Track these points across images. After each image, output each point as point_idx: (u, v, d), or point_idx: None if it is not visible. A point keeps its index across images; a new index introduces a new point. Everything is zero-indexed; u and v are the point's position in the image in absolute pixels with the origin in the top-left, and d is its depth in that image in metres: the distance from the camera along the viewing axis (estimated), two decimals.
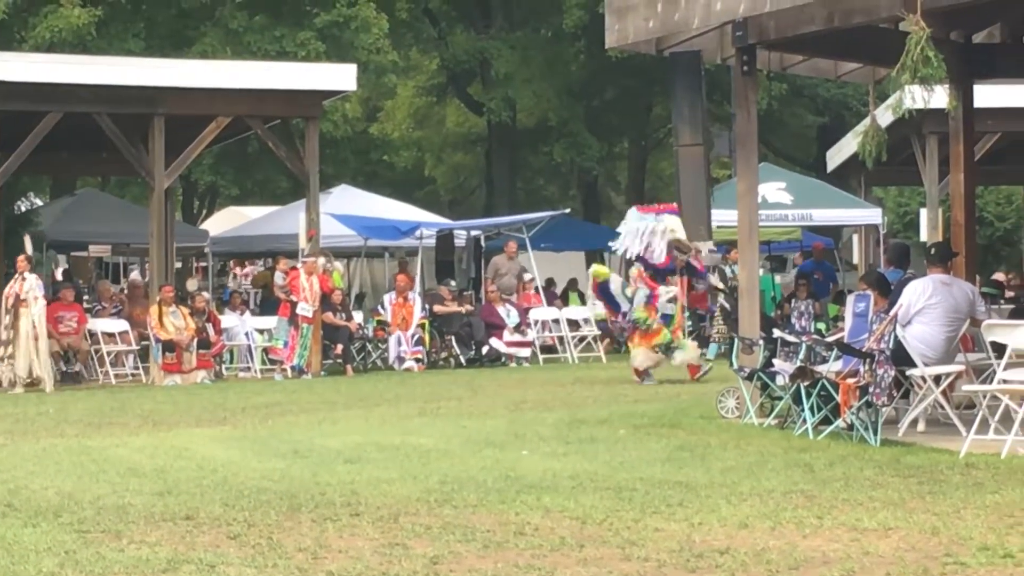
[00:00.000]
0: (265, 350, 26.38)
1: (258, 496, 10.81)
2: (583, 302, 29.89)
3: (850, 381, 13.68)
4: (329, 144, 36.31)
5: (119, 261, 43.71)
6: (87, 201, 35.36)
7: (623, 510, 9.98)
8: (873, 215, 31.29)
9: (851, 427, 13.57)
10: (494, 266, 29.33)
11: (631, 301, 21.98)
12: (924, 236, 27.30)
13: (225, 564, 8.50)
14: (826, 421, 13.86)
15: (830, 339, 15.90)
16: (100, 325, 25.33)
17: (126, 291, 29.92)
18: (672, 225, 20.84)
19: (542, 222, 30.67)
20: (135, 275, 38.01)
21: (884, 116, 18.29)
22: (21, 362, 22.72)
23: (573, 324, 28.83)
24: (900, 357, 13.86)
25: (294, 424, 16.77)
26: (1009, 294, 26.54)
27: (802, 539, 8.99)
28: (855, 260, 34.11)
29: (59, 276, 36.05)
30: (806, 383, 14.02)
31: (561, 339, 28.60)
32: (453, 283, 29.06)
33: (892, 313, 14.11)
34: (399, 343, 26.31)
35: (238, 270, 44.67)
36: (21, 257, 23.41)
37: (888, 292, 14.97)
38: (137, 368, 25.10)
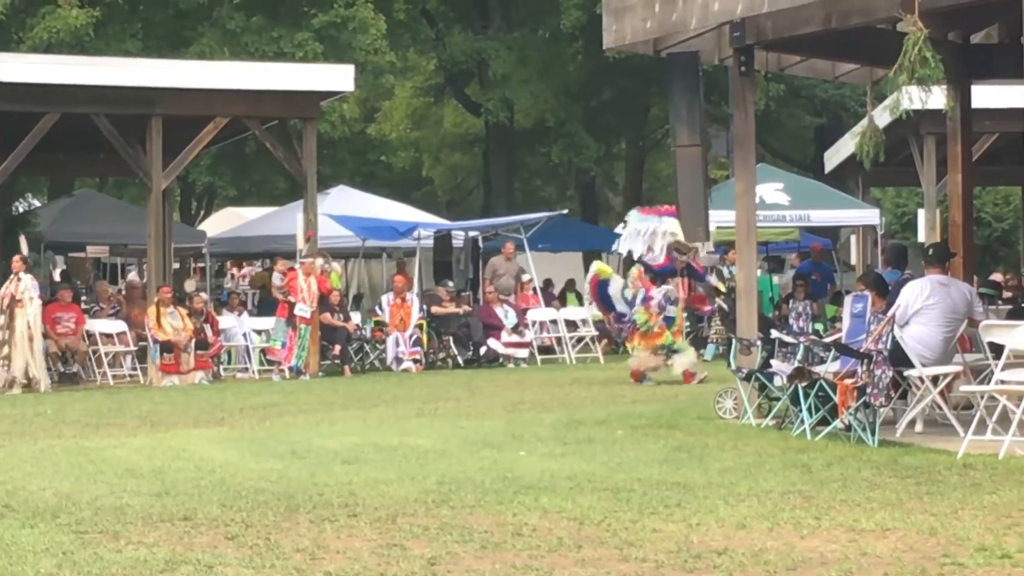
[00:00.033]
0: (263, 351, 26.38)
1: (256, 497, 10.81)
2: (581, 303, 29.95)
3: (848, 382, 13.67)
4: (327, 145, 36.32)
5: (117, 262, 43.70)
6: (85, 202, 35.37)
7: (621, 511, 9.98)
8: (871, 216, 31.30)
9: (849, 428, 13.57)
10: (492, 267, 29.33)
11: (630, 303, 21.98)
12: (922, 237, 27.29)
13: (223, 565, 8.50)
14: (824, 422, 13.86)
15: (828, 340, 15.91)
16: (98, 326, 25.32)
17: (124, 292, 29.91)
18: (672, 228, 20.82)
19: (540, 223, 30.67)
20: (133, 276, 37.99)
21: (882, 117, 18.32)
22: (18, 363, 22.71)
23: (571, 325, 28.84)
24: (898, 358, 13.86)
25: (292, 425, 16.77)
26: (1007, 295, 26.59)
27: (800, 540, 8.99)
28: (853, 261, 34.14)
29: (57, 277, 36.04)
30: (804, 384, 14.02)
31: (559, 340, 28.60)
32: (451, 284, 29.07)
33: (890, 314, 14.11)
34: (397, 344, 26.31)
35: (235, 271, 44.66)
36: (16, 257, 23.40)
37: (886, 293, 14.98)
38: (135, 369, 25.10)
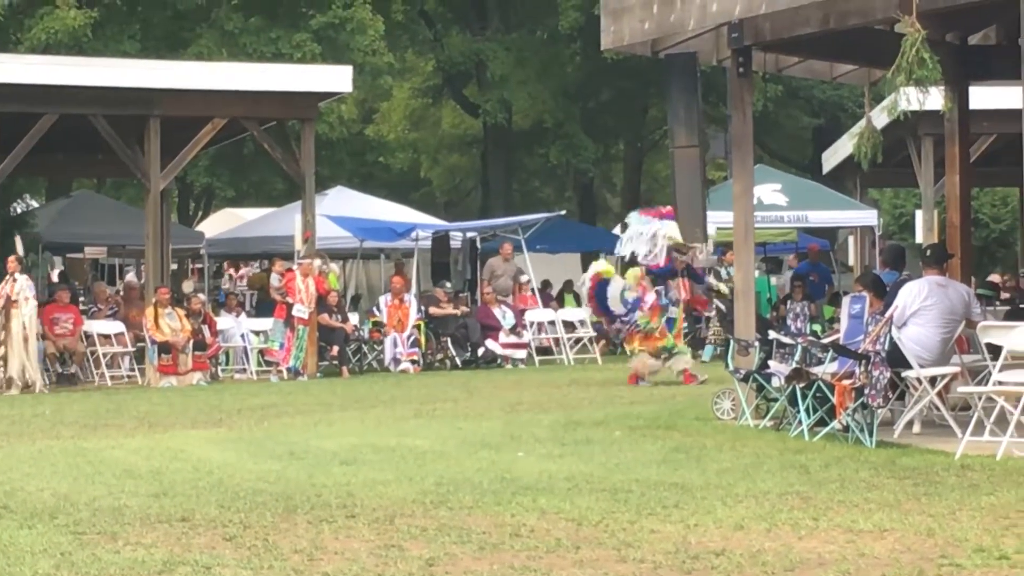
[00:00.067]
0: (261, 352, 26.38)
1: (254, 498, 10.81)
2: (579, 304, 29.93)
3: (846, 383, 13.68)
4: (325, 146, 36.35)
5: (115, 263, 43.68)
6: (83, 203, 35.39)
7: (619, 512, 9.98)
8: (868, 217, 31.31)
9: (847, 429, 13.57)
10: (490, 268, 29.33)
11: (630, 307, 21.98)
12: (920, 238, 27.28)
13: (221, 566, 8.50)
14: (822, 423, 13.86)
15: (826, 341, 15.90)
16: (96, 327, 25.31)
17: (122, 293, 29.88)
18: (672, 230, 20.79)
19: (538, 224, 30.67)
20: (131, 277, 37.95)
21: (879, 118, 18.27)
22: (14, 364, 22.71)
23: (569, 326, 28.85)
24: (896, 359, 13.87)
25: (290, 426, 16.77)
26: (1004, 296, 26.56)
27: (798, 540, 8.99)
28: (850, 262, 34.10)
29: (55, 278, 36.02)
30: (802, 385, 14.03)
31: (557, 341, 28.61)
32: (448, 285, 29.07)
33: (888, 315, 14.12)
34: (395, 345, 26.30)
35: (232, 271, 44.66)
36: (12, 258, 23.39)
37: (884, 294, 14.99)
38: (133, 370, 25.09)
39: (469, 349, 27.32)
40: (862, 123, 16.35)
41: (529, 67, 42.39)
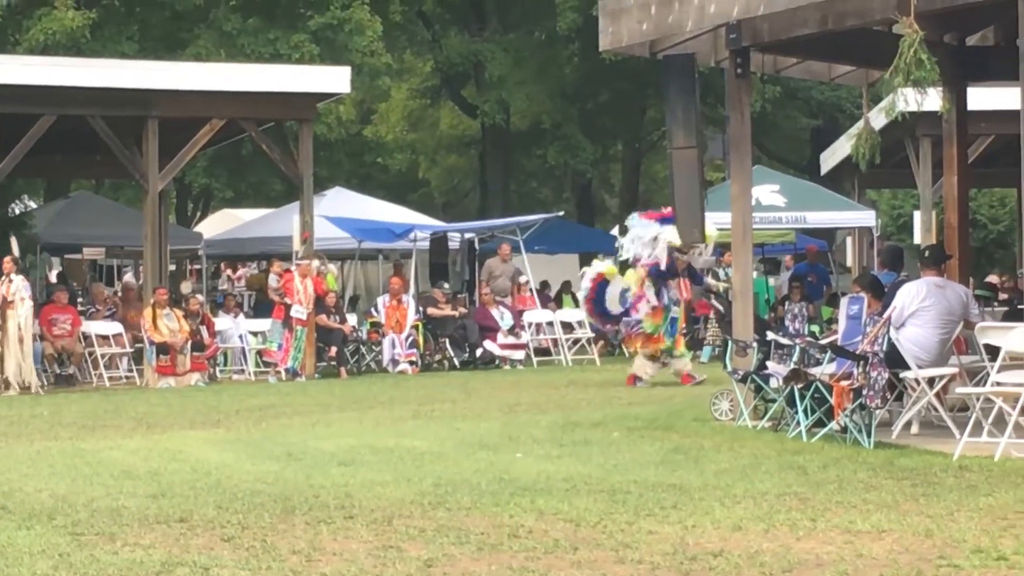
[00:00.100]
0: (259, 352, 26.38)
1: (252, 499, 10.80)
2: (577, 304, 29.90)
3: (844, 383, 13.68)
4: (323, 147, 36.32)
5: (113, 264, 43.68)
6: (81, 204, 35.39)
7: (617, 512, 9.99)
8: (866, 217, 31.30)
9: (845, 429, 13.58)
10: (488, 268, 29.34)
11: (627, 303, 21.99)
12: (918, 239, 27.28)
13: (219, 566, 8.50)
14: (820, 423, 13.87)
15: (824, 341, 15.91)
16: (94, 327, 25.30)
17: (120, 294, 29.90)
18: (673, 235, 20.75)
19: (536, 225, 30.66)
20: (129, 277, 37.99)
21: (877, 119, 18.27)
22: (10, 365, 22.70)
23: (567, 326, 28.85)
24: (894, 359, 13.88)
25: (288, 427, 16.77)
26: (1002, 296, 26.61)
27: (796, 541, 8.99)
28: (848, 262, 34.10)
29: (53, 278, 36.03)
30: (800, 385, 14.03)
31: (555, 342, 28.61)
32: (446, 285, 29.06)
33: (886, 315, 14.13)
34: (393, 345, 26.30)
35: (230, 272, 44.65)
36: (7, 259, 23.38)
37: (882, 294, 15.00)
38: (131, 371, 25.09)
39: (467, 350, 27.32)
40: (860, 124, 16.36)
41: (527, 68, 42.38)
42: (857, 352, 13.93)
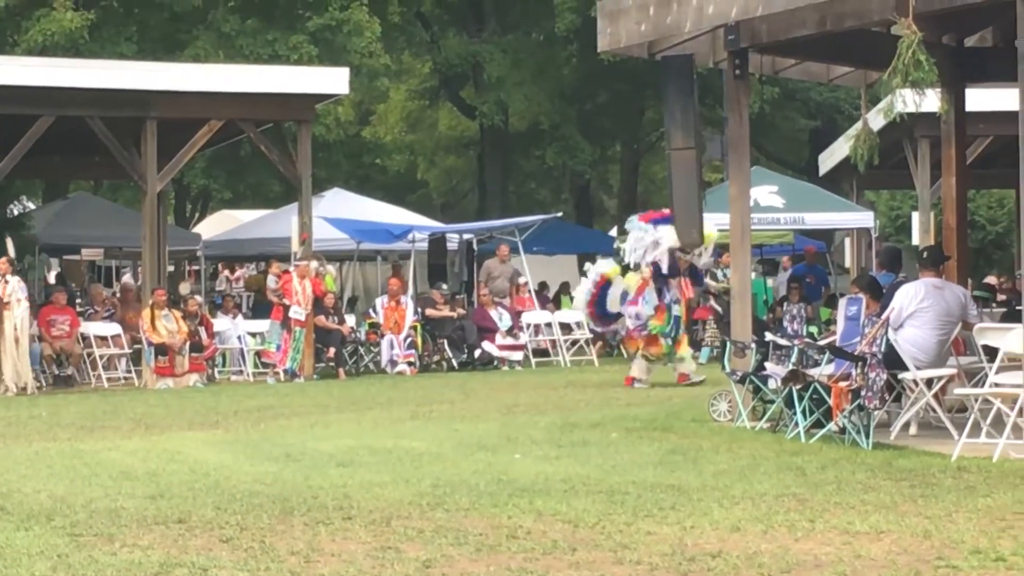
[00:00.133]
0: (257, 353, 26.37)
1: (250, 499, 10.80)
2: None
3: (842, 384, 13.69)
4: (321, 148, 36.31)
5: (111, 264, 43.69)
6: (80, 205, 35.40)
7: (615, 514, 9.99)
8: (865, 219, 31.31)
9: (843, 430, 13.59)
10: (487, 269, 29.35)
11: (626, 302, 22.02)
12: (916, 240, 27.29)
13: (217, 567, 8.50)
14: (818, 424, 13.87)
15: (822, 342, 15.91)
16: (92, 328, 25.28)
17: (118, 295, 29.90)
18: (674, 238, 20.74)
19: (534, 226, 30.66)
20: (127, 278, 38.01)
21: (876, 120, 18.30)
22: (7, 366, 22.70)
23: (565, 328, 28.84)
24: (892, 360, 13.88)
25: (286, 428, 16.76)
26: (1001, 297, 26.58)
27: (794, 542, 9.00)
28: (847, 263, 34.11)
29: (52, 279, 36.03)
30: (798, 386, 14.03)
31: (553, 343, 28.60)
32: (445, 287, 29.05)
33: (884, 316, 14.13)
34: (391, 346, 26.29)
35: (227, 273, 44.63)
36: (3, 260, 23.38)
37: (880, 295, 15.01)
38: (129, 372, 25.08)
39: (466, 351, 27.32)
40: (858, 125, 16.34)
41: (525, 69, 42.37)
42: (855, 353, 13.93)
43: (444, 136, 53.66)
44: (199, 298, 28.01)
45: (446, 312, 27.63)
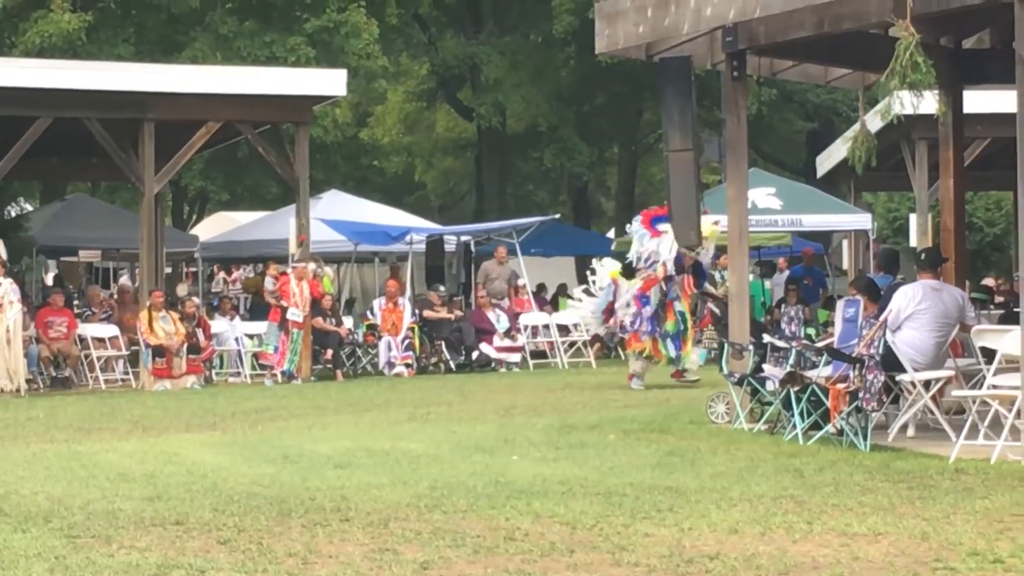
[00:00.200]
0: (255, 355, 26.36)
1: (248, 501, 10.80)
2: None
3: (840, 386, 13.69)
4: (319, 149, 36.31)
5: (109, 266, 43.70)
6: (77, 206, 35.39)
7: (613, 515, 9.98)
8: (863, 220, 31.30)
9: (841, 432, 13.59)
10: (484, 271, 29.34)
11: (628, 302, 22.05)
12: (914, 241, 27.31)
13: (215, 569, 8.49)
14: (816, 426, 13.87)
15: (820, 344, 15.91)
16: (90, 330, 25.27)
17: (116, 296, 29.89)
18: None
19: (532, 227, 30.68)
20: (125, 280, 37.99)
21: (874, 121, 18.32)
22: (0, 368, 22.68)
23: (563, 329, 28.83)
24: (890, 362, 13.88)
25: (284, 429, 16.76)
26: (998, 299, 26.58)
27: (792, 544, 8.99)
28: (845, 265, 34.14)
29: (49, 281, 36.04)
30: (796, 388, 14.04)
31: (551, 344, 28.59)
32: (442, 288, 29.04)
33: (882, 318, 14.14)
34: (389, 348, 26.28)
35: (224, 274, 44.63)
36: None
37: (878, 297, 15.01)
38: (127, 373, 25.05)
39: (463, 353, 27.30)
40: (856, 127, 16.36)
41: (523, 71, 42.35)
42: (853, 355, 13.93)
43: (442, 138, 53.66)
44: (197, 300, 28.01)
45: (444, 314, 27.62)
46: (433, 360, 27.35)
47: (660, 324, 21.81)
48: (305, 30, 32.71)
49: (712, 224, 20.39)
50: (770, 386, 14.97)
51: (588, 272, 23.99)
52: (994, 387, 12.79)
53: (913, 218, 28.31)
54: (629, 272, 22.39)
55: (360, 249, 32.26)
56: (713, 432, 15.09)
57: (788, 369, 14.95)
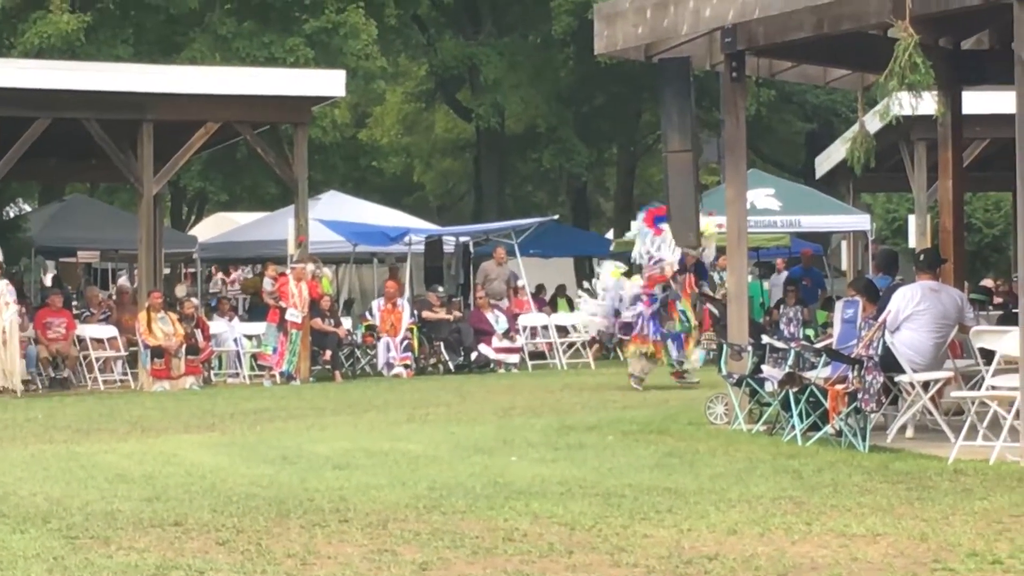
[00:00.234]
0: (254, 356, 26.36)
1: (247, 502, 10.79)
2: (571, 308, 29.90)
3: (839, 387, 13.68)
4: (318, 150, 36.30)
5: (108, 267, 43.67)
6: (76, 207, 35.38)
7: (612, 516, 9.98)
8: (861, 221, 31.32)
9: (840, 433, 13.58)
10: (483, 272, 29.34)
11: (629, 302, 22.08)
12: (913, 242, 27.30)
13: (214, 570, 8.49)
14: (815, 427, 13.87)
15: (819, 345, 15.91)
16: (89, 331, 25.28)
17: (114, 297, 29.89)
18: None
19: (531, 228, 30.68)
20: (123, 281, 37.97)
21: (872, 122, 18.31)
22: None
23: (562, 330, 28.84)
24: (888, 363, 13.88)
25: (283, 430, 16.75)
26: (997, 300, 26.56)
27: (791, 545, 8.99)
28: (843, 266, 34.14)
29: (48, 282, 36.03)
30: (795, 389, 14.03)
31: (550, 345, 28.59)
32: (441, 289, 29.04)
33: (881, 319, 14.13)
34: (388, 349, 26.28)
35: (222, 275, 44.62)
36: None
37: (877, 298, 15.01)
38: (125, 374, 25.06)
39: (462, 353, 27.30)
40: (855, 128, 16.36)
41: (522, 71, 42.33)
42: (852, 356, 13.93)
43: (440, 139, 53.65)
44: (195, 300, 28.00)
45: (442, 315, 27.62)
46: (432, 361, 27.35)
47: (662, 324, 21.84)
48: (304, 31, 32.71)
49: (715, 226, 20.41)
50: (769, 387, 14.96)
51: (592, 275, 24.00)
52: (993, 388, 12.78)
53: (912, 219, 28.30)
54: (631, 273, 22.44)
55: (359, 250, 32.26)
56: (712, 433, 15.09)
57: (787, 370, 14.95)
